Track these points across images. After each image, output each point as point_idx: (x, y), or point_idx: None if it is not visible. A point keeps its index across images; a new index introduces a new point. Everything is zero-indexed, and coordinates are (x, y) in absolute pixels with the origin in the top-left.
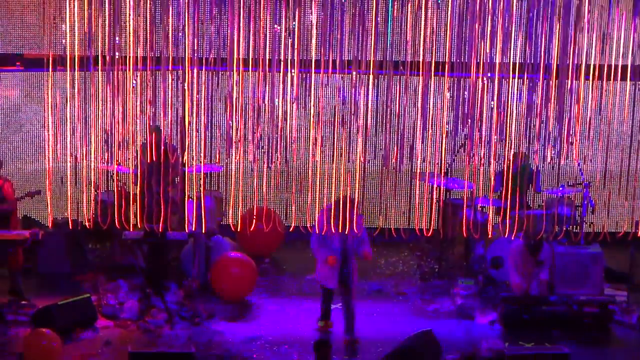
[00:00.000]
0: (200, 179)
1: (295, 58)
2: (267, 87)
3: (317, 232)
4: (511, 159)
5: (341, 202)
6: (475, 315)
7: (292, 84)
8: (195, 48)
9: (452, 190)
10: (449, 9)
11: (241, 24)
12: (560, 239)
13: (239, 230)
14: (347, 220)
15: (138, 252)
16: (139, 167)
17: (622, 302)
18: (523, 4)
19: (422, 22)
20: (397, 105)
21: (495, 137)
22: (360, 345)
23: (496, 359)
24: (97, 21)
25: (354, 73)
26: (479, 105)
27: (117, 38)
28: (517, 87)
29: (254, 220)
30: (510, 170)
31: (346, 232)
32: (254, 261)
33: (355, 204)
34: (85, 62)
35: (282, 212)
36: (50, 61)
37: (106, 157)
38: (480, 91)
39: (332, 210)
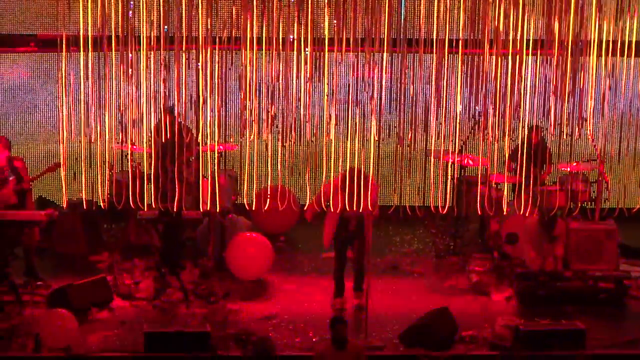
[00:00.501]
0: (215, 158)
1: (309, 36)
2: (280, 65)
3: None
4: (526, 135)
5: (349, 176)
6: (490, 292)
7: (305, 63)
8: (209, 27)
9: (466, 167)
10: None
11: (254, 3)
12: (575, 215)
13: (253, 208)
14: (358, 193)
15: (153, 232)
16: (153, 147)
17: (637, 277)
18: None
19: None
20: (411, 83)
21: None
22: (376, 322)
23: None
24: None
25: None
26: (493, 82)
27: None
28: (531, 63)
29: (269, 199)
30: (525, 146)
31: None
32: (269, 240)
33: (367, 177)
34: (99, 42)
35: (296, 190)
36: (64, 42)
37: (120, 137)
38: (494, 68)
39: (340, 184)
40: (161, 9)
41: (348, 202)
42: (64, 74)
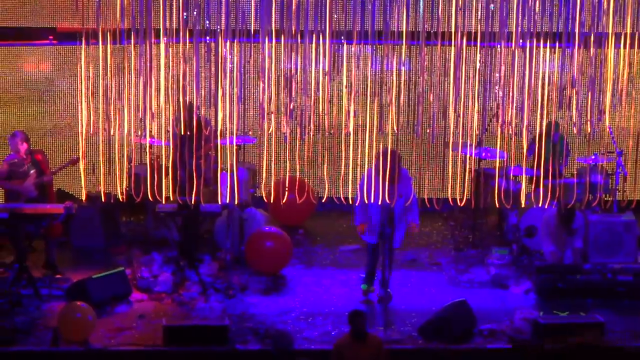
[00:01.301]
0: (234, 150)
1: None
2: (299, 58)
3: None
4: (544, 127)
5: (382, 156)
6: (509, 285)
7: (324, 55)
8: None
9: (484, 159)
10: None
11: None
12: (594, 207)
13: (270, 200)
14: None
15: (172, 225)
16: (171, 139)
17: None
18: None
19: None
20: (430, 76)
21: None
22: (395, 314)
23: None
24: None
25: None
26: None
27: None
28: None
29: (286, 191)
30: (544, 139)
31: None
32: (287, 233)
33: (397, 156)
34: (119, 35)
35: (315, 183)
36: (83, 35)
37: (139, 130)
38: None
39: (374, 165)
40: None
41: (383, 190)
42: (83, 67)
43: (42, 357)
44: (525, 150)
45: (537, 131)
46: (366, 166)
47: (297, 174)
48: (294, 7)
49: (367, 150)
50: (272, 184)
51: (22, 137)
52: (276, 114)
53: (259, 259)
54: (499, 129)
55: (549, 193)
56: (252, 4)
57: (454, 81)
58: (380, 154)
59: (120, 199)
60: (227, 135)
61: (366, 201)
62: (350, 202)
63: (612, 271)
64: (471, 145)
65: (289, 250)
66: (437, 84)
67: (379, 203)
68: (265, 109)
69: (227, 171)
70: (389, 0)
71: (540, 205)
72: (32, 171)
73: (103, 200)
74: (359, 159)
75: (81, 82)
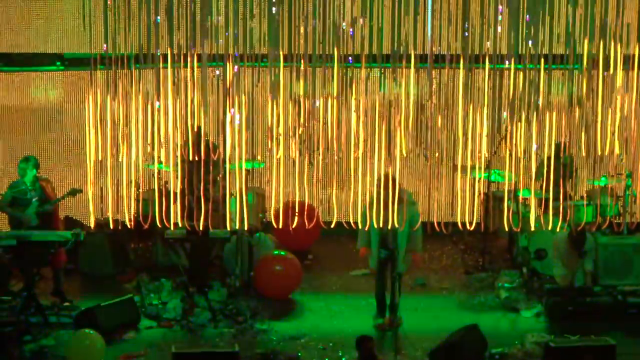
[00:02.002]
0: (242, 176)
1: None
2: (308, 82)
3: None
4: (553, 150)
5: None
6: (520, 308)
7: (332, 79)
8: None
9: (494, 182)
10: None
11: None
12: (603, 229)
13: (275, 226)
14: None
15: (180, 251)
16: (179, 165)
17: None
18: None
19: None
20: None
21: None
22: (406, 339)
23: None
24: (137, 20)
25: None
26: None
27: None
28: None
29: (296, 216)
30: (553, 162)
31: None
32: (297, 258)
33: (397, 180)
34: (126, 60)
35: (324, 207)
36: (91, 60)
37: (148, 156)
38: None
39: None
40: (187, 26)
41: (385, 215)
42: (90, 92)
43: None
44: (534, 173)
45: (546, 153)
46: (372, 191)
47: (305, 199)
48: (301, 30)
49: (376, 175)
50: (274, 209)
51: (34, 163)
52: (285, 138)
53: (268, 283)
54: (508, 152)
55: (559, 215)
56: (260, 29)
57: (463, 104)
58: (381, 180)
59: (129, 226)
60: (236, 160)
61: (368, 227)
62: (359, 227)
63: (622, 293)
64: (480, 168)
65: (299, 274)
66: (445, 107)
67: (381, 228)
68: (274, 134)
69: (235, 196)
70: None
71: (550, 228)
72: (35, 199)
73: (111, 226)
74: (368, 183)
75: (89, 108)
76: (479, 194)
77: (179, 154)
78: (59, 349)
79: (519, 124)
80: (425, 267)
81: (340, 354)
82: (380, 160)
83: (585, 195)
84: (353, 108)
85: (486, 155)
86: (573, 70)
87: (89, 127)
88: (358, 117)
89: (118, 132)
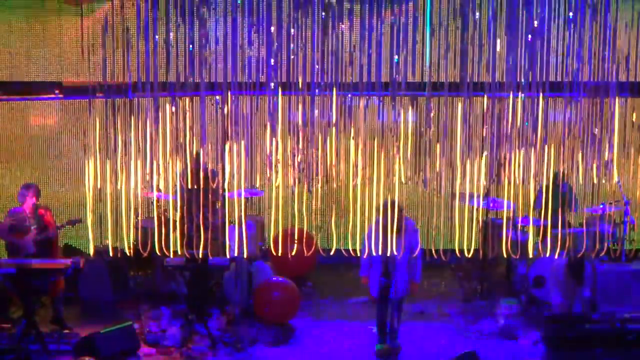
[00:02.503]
0: (241, 203)
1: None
2: (306, 110)
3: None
4: (551, 177)
5: (383, 208)
6: (518, 335)
7: (331, 107)
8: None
9: (492, 210)
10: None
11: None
12: (602, 256)
13: (280, 253)
14: (394, 225)
15: (180, 279)
16: (179, 193)
17: None
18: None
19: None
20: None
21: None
22: None
23: None
24: (135, 48)
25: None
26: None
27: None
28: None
29: (294, 244)
30: (551, 189)
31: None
32: (295, 284)
33: (399, 207)
34: (125, 89)
35: (323, 235)
36: (90, 88)
37: (147, 184)
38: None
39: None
40: (186, 55)
41: (385, 243)
42: (89, 121)
43: None
44: (532, 201)
45: (545, 182)
46: (374, 218)
47: (304, 226)
48: (300, 59)
49: (374, 202)
50: (273, 237)
51: (34, 191)
52: (283, 166)
53: (266, 309)
54: (506, 180)
55: (558, 243)
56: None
57: (461, 132)
58: (382, 207)
59: (128, 253)
60: (235, 188)
61: (367, 254)
62: (358, 254)
63: (621, 320)
64: (479, 196)
65: (297, 299)
66: (443, 134)
67: (381, 255)
68: (273, 161)
69: (235, 224)
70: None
71: (548, 255)
72: (33, 227)
73: (111, 254)
74: (366, 210)
75: (88, 136)
76: (478, 221)
77: (178, 182)
78: None
79: (519, 151)
80: (424, 294)
81: None
82: (379, 188)
83: (584, 222)
84: (352, 136)
85: (484, 183)
86: (571, 98)
87: (88, 155)
88: (357, 145)
89: (117, 160)
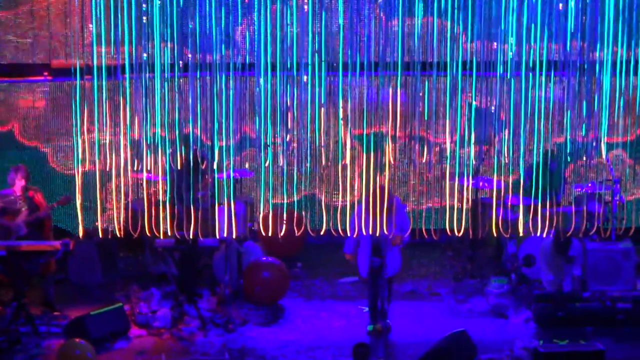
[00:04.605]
0: (231, 184)
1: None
2: (295, 90)
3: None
4: (541, 156)
5: (372, 193)
6: (509, 314)
7: (320, 87)
8: (224, 53)
9: (482, 189)
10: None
11: (268, 28)
12: (591, 235)
13: (270, 234)
14: (382, 209)
15: (170, 260)
16: (168, 174)
17: None
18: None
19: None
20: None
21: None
22: (395, 345)
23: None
24: (123, 29)
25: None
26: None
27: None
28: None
29: (284, 224)
30: (541, 168)
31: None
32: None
33: (387, 190)
34: (114, 70)
35: (312, 215)
36: (78, 70)
37: (136, 165)
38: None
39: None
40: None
41: (374, 224)
42: (77, 103)
43: None
44: (521, 179)
45: (535, 160)
46: (363, 198)
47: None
48: (289, 39)
49: (364, 182)
50: (263, 217)
51: (23, 173)
52: (273, 147)
53: (256, 290)
54: (496, 159)
55: (547, 222)
56: (248, 37)
57: (450, 111)
58: (372, 192)
59: (118, 235)
60: (225, 169)
61: (357, 234)
62: (348, 234)
63: (611, 299)
64: (468, 175)
65: (287, 280)
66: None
67: (370, 234)
68: (262, 142)
69: (224, 205)
70: (385, 31)
71: (538, 234)
72: (24, 208)
73: (100, 235)
74: (356, 190)
75: (77, 118)
76: (467, 200)
77: (167, 163)
78: (49, 358)
79: (507, 130)
80: (414, 273)
81: None
82: (368, 168)
83: (573, 201)
84: (341, 116)
85: (474, 162)
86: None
87: (77, 137)
88: (346, 126)
89: (106, 141)
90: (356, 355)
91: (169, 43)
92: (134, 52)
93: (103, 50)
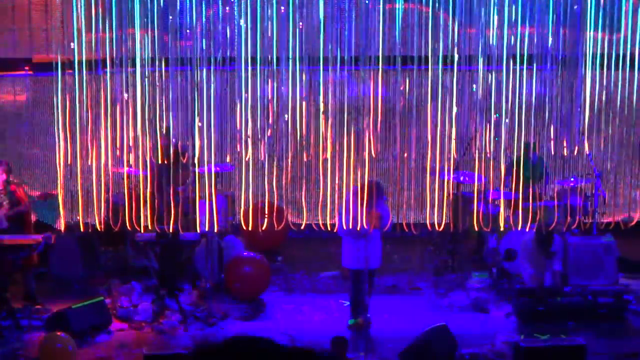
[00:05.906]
0: (212, 178)
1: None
2: (275, 84)
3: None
4: (522, 149)
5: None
6: (489, 309)
7: (301, 81)
8: (204, 47)
9: (463, 183)
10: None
11: (249, 23)
12: (573, 229)
13: (250, 228)
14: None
15: (151, 254)
16: (149, 168)
17: (637, 291)
18: None
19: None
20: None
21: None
22: (375, 340)
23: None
24: (104, 23)
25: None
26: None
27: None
28: (526, 78)
29: (265, 218)
30: (522, 162)
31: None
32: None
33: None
34: (94, 64)
35: (293, 209)
36: (59, 65)
37: (117, 159)
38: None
39: (359, 194)
40: (156, 29)
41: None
42: (58, 97)
43: None
44: (502, 174)
45: (515, 154)
46: (344, 192)
47: (275, 201)
48: (269, 33)
49: (345, 176)
50: (244, 211)
51: (4, 168)
52: (253, 141)
53: (237, 284)
54: (477, 153)
55: (529, 216)
56: (228, 32)
57: (431, 105)
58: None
59: (99, 229)
60: (205, 163)
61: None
62: (329, 229)
63: (592, 293)
64: (449, 169)
65: (268, 274)
66: (414, 108)
67: (358, 229)
68: (243, 136)
69: (205, 199)
70: (365, 25)
71: (519, 228)
72: (5, 202)
73: (82, 229)
74: (336, 184)
75: (58, 112)
76: (448, 194)
77: (148, 157)
78: (31, 351)
79: (488, 125)
80: (395, 268)
81: None
82: (349, 162)
83: (555, 195)
84: (322, 110)
85: (455, 156)
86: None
87: (58, 131)
88: (326, 119)
89: (87, 136)
90: (334, 347)
91: (149, 33)
92: (114, 46)
93: (83, 42)
